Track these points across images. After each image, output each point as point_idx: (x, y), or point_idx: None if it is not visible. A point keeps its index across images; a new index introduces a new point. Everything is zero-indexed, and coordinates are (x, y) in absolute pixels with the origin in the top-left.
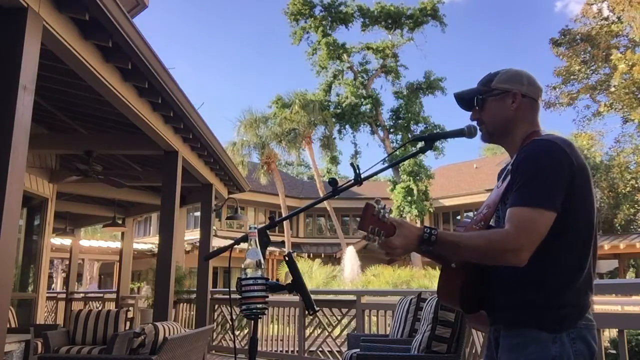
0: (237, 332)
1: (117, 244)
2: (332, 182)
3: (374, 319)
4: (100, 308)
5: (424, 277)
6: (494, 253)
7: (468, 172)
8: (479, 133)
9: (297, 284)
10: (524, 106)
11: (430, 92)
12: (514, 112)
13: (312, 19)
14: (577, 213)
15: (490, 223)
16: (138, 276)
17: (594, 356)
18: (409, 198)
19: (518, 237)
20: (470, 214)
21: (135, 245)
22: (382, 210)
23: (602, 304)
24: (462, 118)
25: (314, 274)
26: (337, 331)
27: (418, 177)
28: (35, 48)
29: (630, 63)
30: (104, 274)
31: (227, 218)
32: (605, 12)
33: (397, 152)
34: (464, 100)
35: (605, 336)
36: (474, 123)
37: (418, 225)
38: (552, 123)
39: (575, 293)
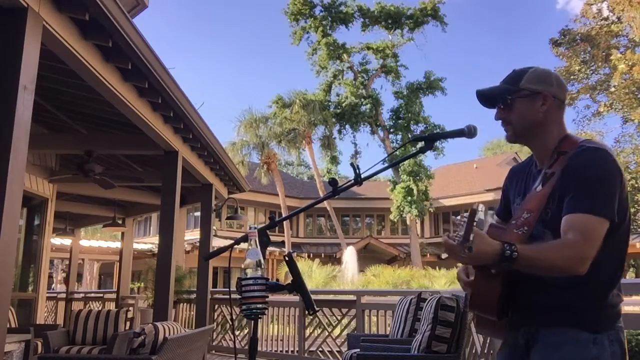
0: (237, 332)
1: (117, 244)
2: (332, 182)
3: (374, 319)
4: (100, 308)
5: (424, 277)
6: (567, 265)
7: (468, 172)
8: (479, 133)
9: (297, 284)
10: (553, 108)
11: (430, 92)
12: (544, 115)
13: (312, 19)
14: (621, 217)
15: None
16: (138, 276)
17: (624, 358)
18: (409, 198)
19: (586, 246)
20: None
21: (135, 245)
22: (479, 218)
23: None
24: (462, 118)
25: (314, 274)
26: (337, 331)
27: (418, 177)
28: (35, 48)
29: (630, 63)
30: (104, 274)
31: (227, 218)
32: (605, 12)
33: (397, 152)
34: (488, 98)
35: None
36: (499, 122)
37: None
38: None
39: (614, 295)
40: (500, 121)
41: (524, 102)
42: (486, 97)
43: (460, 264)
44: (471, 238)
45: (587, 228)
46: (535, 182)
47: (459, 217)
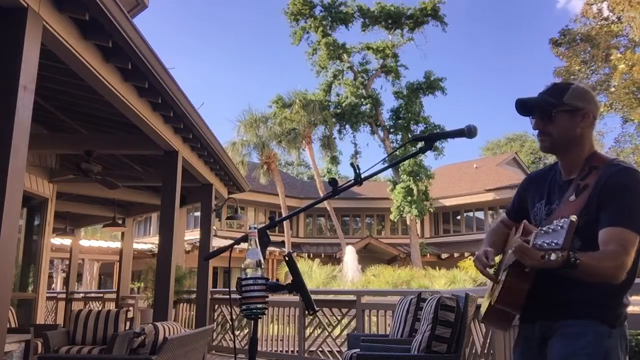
0: (237, 332)
1: (117, 244)
2: (332, 182)
3: (374, 319)
4: (100, 308)
5: (424, 277)
6: (614, 273)
7: (468, 172)
8: (479, 133)
9: (297, 284)
10: (589, 125)
11: (430, 92)
12: (581, 131)
13: (312, 19)
14: None
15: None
16: (138, 276)
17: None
18: (409, 198)
19: (626, 257)
20: (470, 214)
21: (135, 245)
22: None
23: None
24: (462, 118)
25: (314, 274)
26: (337, 331)
27: (418, 177)
28: (35, 48)
29: (630, 63)
30: (104, 274)
31: (227, 218)
32: (605, 12)
33: (397, 152)
34: (528, 107)
35: None
36: (536, 132)
37: None
38: None
39: (626, 296)
40: (537, 131)
41: (565, 116)
42: (526, 106)
43: (477, 254)
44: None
45: (626, 241)
46: (565, 191)
47: (548, 225)
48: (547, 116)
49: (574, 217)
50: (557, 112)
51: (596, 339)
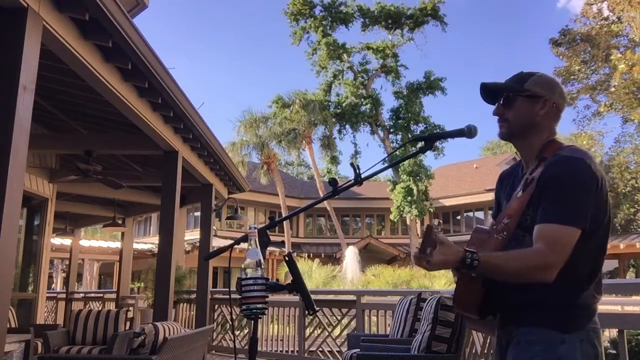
0: (237, 332)
1: (117, 244)
2: (332, 182)
3: (374, 319)
4: (100, 308)
5: (424, 277)
6: (531, 273)
7: (468, 172)
8: (479, 133)
9: (297, 284)
10: (550, 114)
11: (430, 92)
12: (541, 118)
13: (312, 19)
14: (598, 222)
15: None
16: (138, 276)
17: (598, 358)
18: (409, 198)
19: (551, 255)
20: (470, 214)
21: (135, 245)
22: (436, 231)
23: (602, 304)
24: (462, 118)
25: (313, 274)
26: (337, 331)
27: (418, 177)
28: (35, 48)
29: (630, 63)
30: (104, 274)
31: (227, 218)
32: (605, 12)
33: (397, 152)
34: (491, 92)
35: (605, 336)
36: (496, 118)
37: (458, 247)
38: None
39: (587, 296)
40: (497, 117)
41: (524, 102)
42: (489, 91)
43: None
44: (428, 251)
45: (554, 238)
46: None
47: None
48: (507, 101)
49: (432, 223)
50: (517, 97)
51: (546, 348)
